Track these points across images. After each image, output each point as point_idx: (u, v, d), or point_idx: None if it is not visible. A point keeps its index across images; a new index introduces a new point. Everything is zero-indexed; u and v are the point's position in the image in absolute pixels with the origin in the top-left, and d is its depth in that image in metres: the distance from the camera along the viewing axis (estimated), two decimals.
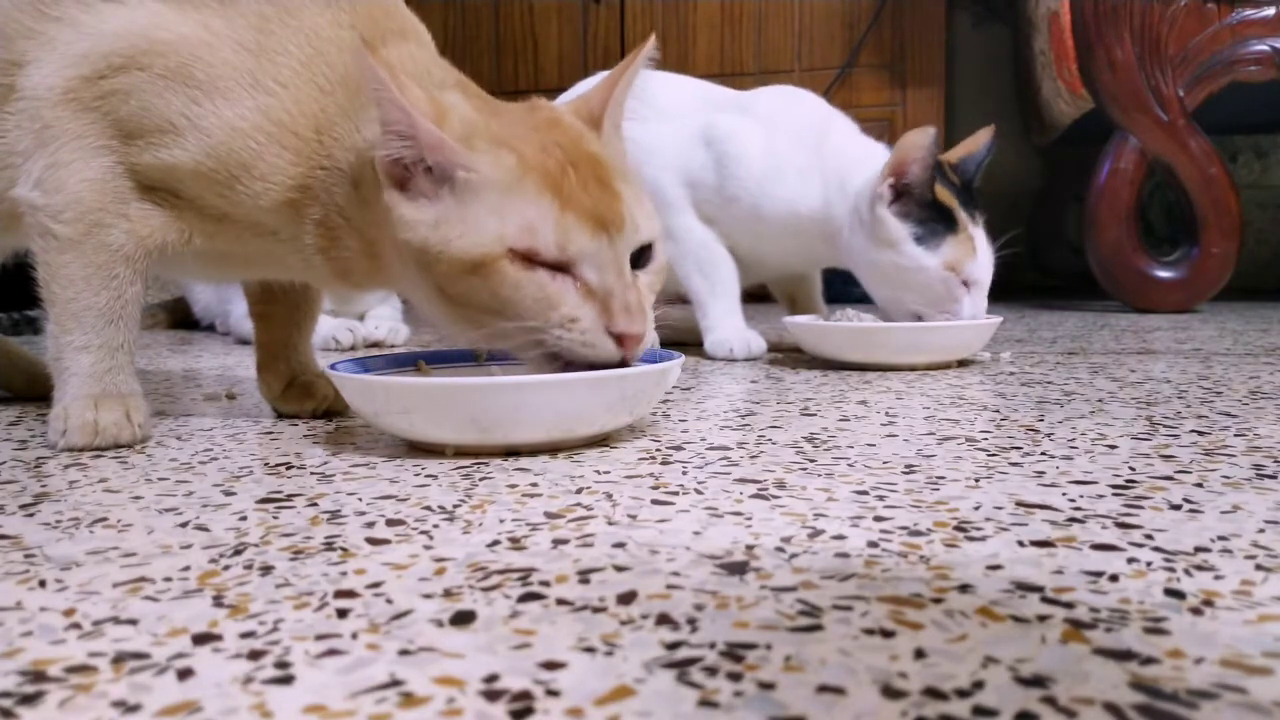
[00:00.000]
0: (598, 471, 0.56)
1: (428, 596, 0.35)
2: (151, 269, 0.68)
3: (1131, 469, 0.54)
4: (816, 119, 1.20)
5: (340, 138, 0.64)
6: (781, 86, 1.28)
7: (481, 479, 0.54)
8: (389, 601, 0.35)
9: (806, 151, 1.16)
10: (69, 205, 0.64)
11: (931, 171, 1.04)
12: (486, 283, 0.57)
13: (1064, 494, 0.49)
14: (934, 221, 1.05)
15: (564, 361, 0.59)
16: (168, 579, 0.38)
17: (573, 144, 0.61)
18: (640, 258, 0.62)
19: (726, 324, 1.19)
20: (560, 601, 0.35)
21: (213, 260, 0.71)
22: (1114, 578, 0.36)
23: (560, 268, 0.58)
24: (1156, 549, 0.40)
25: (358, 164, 0.63)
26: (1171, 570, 0.37)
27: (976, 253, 1.06)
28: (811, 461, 0.58)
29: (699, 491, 0.51)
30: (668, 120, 1.22)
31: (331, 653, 0.30)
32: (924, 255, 1.05)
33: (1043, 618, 0.32)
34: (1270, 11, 1.72)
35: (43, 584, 0.38)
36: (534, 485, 0.53)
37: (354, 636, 0.32)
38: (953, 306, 1.07)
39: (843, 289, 1.60)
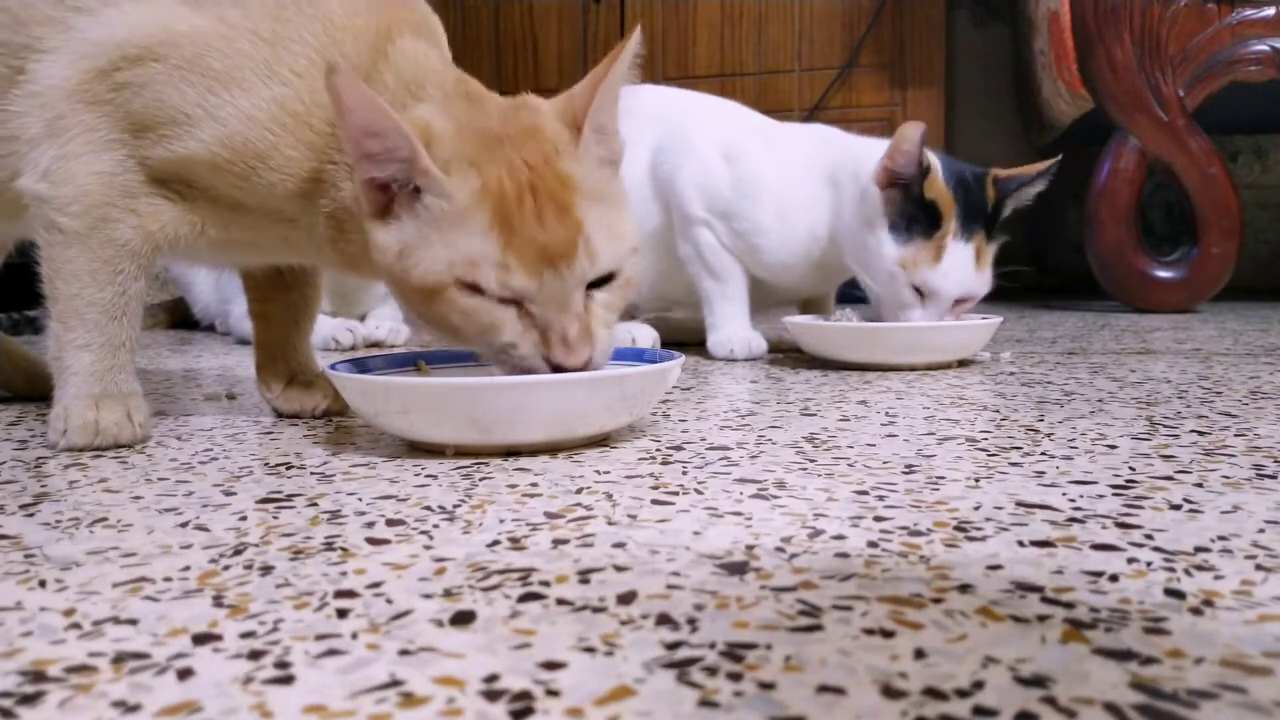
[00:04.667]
0: (598, 471, 0.56)
1: (428, 596, 0.35)
2: (162, 261, 0.68)
3: (1131, 469, 0.54)
4: (807, 141, 1.21)
5: None
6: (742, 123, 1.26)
7: (481, 479, 0.54)
8: (389, 601, 0.35)
9: (810, 179, 1.16)
10: (76, 198, 0.64)
11: (916, 167, 1.03)
12: (439, 308, 0.59)
13: (1064, 494, 0.49)
14: (918, 220, 1.04)
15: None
16: (168, 579, 0.38)
17: (544, 161, 0.59)
18: (604, 278, 0.61)
19: (732, 325, 1.19)
20: (560, 601, 0.35)
21: (226, 247, 0.71)
22: (1114, 578, 0.36)
23: (504, 300, 0.58)
24: (1156, 549, 0.40)
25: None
26: (1171, 570, 0.37)
27: (939, 263, 1.03)
28: (811, 461, 0.58)
29: (699, 491, 0.51)
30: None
31: (331, 653, 0.30)
32: (886, 243, 1.04)
33: (1043, 618, 0.32)
34: (1270, 11, 1.72)
35: (43, 584, 0.38)
36: (534, 485, 0.53)
37: (354, 636, 0.32)
38: (900, 310, 1.06)
39: (843, 289, 1.60)
